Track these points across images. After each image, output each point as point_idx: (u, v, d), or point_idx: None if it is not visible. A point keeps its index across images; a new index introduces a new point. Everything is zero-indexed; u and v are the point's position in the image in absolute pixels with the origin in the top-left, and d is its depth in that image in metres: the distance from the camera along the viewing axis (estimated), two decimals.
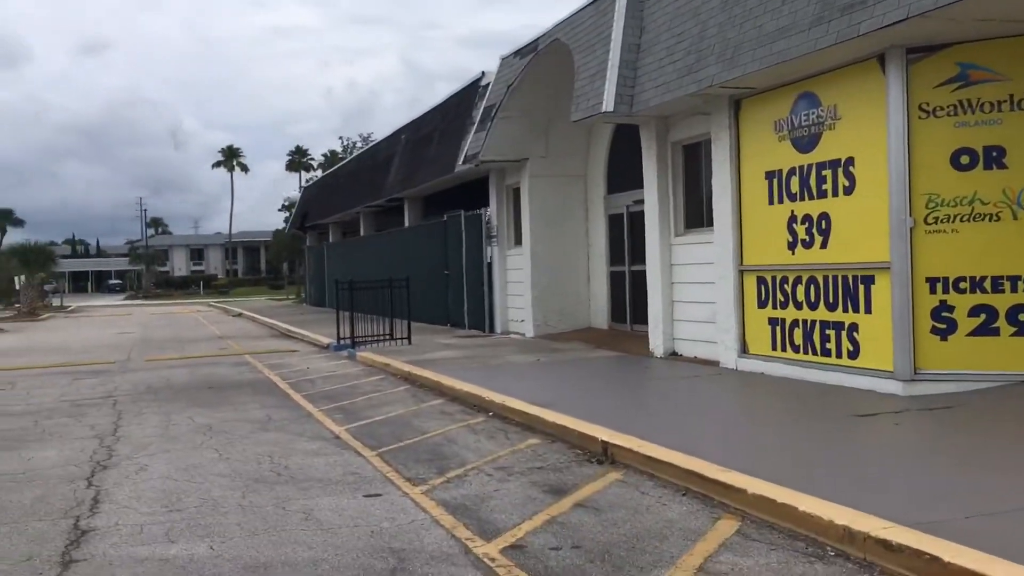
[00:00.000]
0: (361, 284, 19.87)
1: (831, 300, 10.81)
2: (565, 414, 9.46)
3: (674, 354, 14.43)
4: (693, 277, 13.88)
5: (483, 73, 21.91)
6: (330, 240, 41.36)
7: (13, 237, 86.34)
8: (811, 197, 11.05)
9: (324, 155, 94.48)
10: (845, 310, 10.61)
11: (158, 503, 7.14)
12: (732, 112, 12.39)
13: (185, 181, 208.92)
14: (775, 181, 11.68)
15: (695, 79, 12.13)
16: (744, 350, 12.45)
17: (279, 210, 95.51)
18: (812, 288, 11.12)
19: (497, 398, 10.91)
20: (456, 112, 23.39)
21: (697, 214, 14.31)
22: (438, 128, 24.78)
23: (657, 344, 14.61)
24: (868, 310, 10.27)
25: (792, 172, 11.36)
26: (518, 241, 20.63)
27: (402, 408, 11.48)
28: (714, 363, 13.14)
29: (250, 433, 10.09)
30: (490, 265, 21.54)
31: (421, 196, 28.16)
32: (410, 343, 19.19)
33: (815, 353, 11.11)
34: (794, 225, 11.36)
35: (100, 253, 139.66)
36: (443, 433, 9.66)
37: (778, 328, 11.75)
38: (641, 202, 17.14)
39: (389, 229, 31.49)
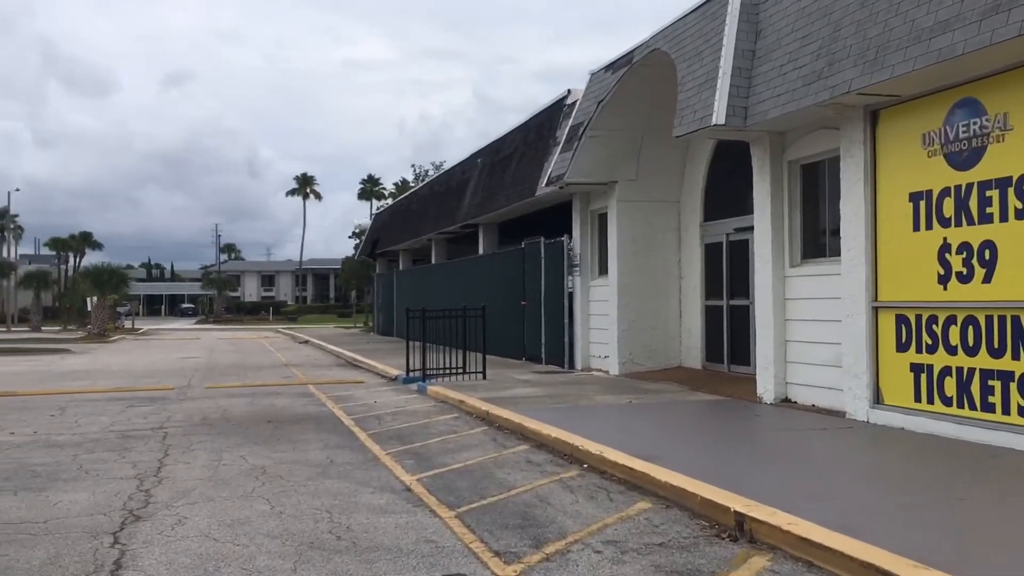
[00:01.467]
0: (433, 313, 18.55)
1: (996, 345, 9.05)
2: (678, 472, 7.89)
3: (787, 400, 12.72)
4: (812, 314, 12.20)
5: (568, 91, 20.58)
6: (400, 268, 40.35)
7: (92, 260, 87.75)
8: (970, 222, 9.35)
9: (396, 184, 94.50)
10: (1016, 357, 8.84)
11: (191, 572, 5.77)
12: (868, 125, 10.76)
13: (260, 209, 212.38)
14: (922, 204, 9.99)
15: (826, 86, 10.55)
16: (877, 400, 10.70)
17: (349, 237, 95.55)
18: (970, 330, 9.38)
19: (592, 447, 9.37)
20: (538, 133, 22.08)
21: (816, 243, 12.65)
22: (518, 150, 23.50)
23: (767, 389, 12.91)
24: None
25: (945, 193, 9.67)
26: (603, 271, 19.13)
27: (481, 454, 10.02)
28: (838, 413, 11.42)
29: (308, 480, 8.72)
30: (571, 296, 20.06)
31: (497, 223, 26.87)
32: (485, 378, 17.76)
33: (973, 408, 9.34)
34: (947, 255, 9.65)
35: (175, 277, 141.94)
36: (532, 489, 8.15)
37: (923, 376, 10.00)
38: (744, 230, 15.56)
39: (461, 257, 30.26)
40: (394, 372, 19.97)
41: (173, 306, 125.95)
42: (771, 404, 12.73)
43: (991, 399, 9.12)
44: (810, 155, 12.45)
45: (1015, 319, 8.85)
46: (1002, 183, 8.97)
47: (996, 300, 9.03)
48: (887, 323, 10.58)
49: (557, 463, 9.41)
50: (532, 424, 11.17)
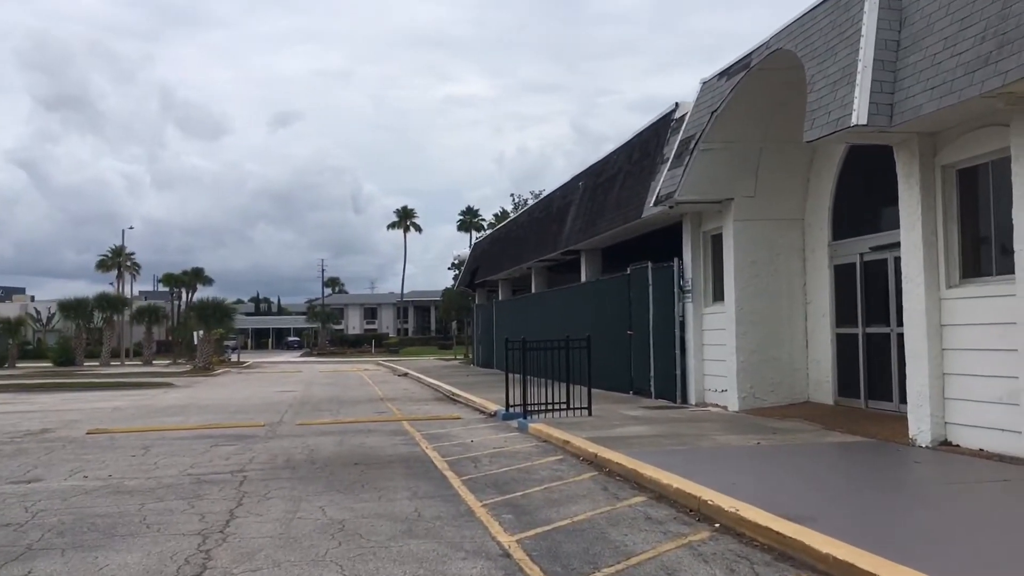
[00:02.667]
0: (534, 344, 17.26)
1: None
2: (841, 540, 6.35)
3: (946, 443, 10.91)
4: (978, 342, 10.41)
5: (676, 104, 19.15)
6: (499, 298, 39.31)
7: (203, 295, 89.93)
8: None
9: (495, 215, 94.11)
10: None
11: None
12: None
13: (363, 244, 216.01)
14: None
15: (996, 72, 8.89)
16: None
17: (448, 268, 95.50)
18: None
19: (724, 502, 7.87)
20: (643, 151, 20.68)
21: (978, 260, 10.88)
22: (622, 170, 22.13)
23: (921, 430, 11.13)
24: None
25: None
26: (718, 297, 17.53)
27: (591, 508, 8.62)
28: (1015, 460, 9.59)
29: (390, 539, 7.48)
30: (683, 324, 18.48)
31: (599, 248, 25.49)
32: (590, 414, 16.34)
33: None
34: None
35: (281, 311, 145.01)
36: (657, 557, 6.72)
37: None
38: (882, 248, 13.82)
39: (562, 285, 28.95)
40: (493, 407, 18.74)
41: (279, 339, 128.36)
42: (927, 448, 10.95)
43: None
44: (968, 158, 10.72)
45: None
46: None
47: None
48: None
49: (682, 521, 7.94)
50: (648, 471, 9.71)
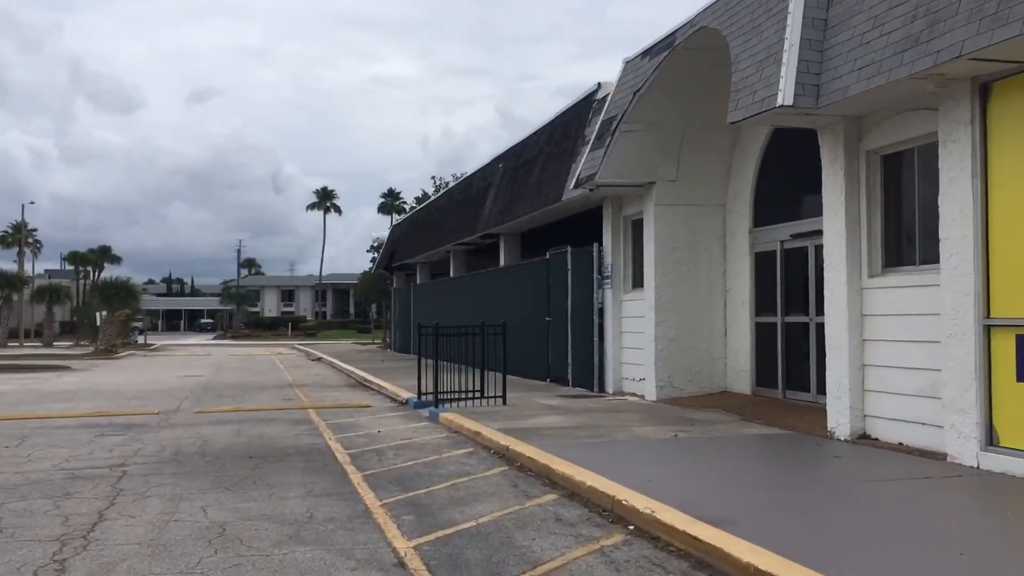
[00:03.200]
0: (448, 329, 16.59)
1: None
2: (763, 546, 5.87)
3: (865, 437, 10.63)
4: (899, 333, 10.13)
5: (599, 85, 18.63)
6: (418, 281, 38.49)
7: (111, 274, 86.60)
8: None
9: (416, 198, 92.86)
10: None
11: None
12: (978, 101, 8.72)
13: (283, 225, 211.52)
14: None
15: (927, 51, 8.52)
16: (991, 440, 8.62)
17: (367, 251, 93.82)
18: None
19: (640, 502, 7.35)
20: (565, 133, 20.14)
21: (902, 248, 10.60)
22: (543, 152, 21.56)
23: (839, 422, 10.83)
24: None
25: None
26: (638, 283, 17.13)
27: (499, 507, 8.02)
28: (935, 455, 9.33)
29: (275, 546, 6.75)
30: (602, 311, 18.05)
31: (519, 232, 24.93)
32: (505, 403, 15.77)
33: None
34: None
35: (194, 292, 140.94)
36: (567, 566, 6.14)
37: None
38: (803, 236, 13.54)
39: (481, 269, 28.33)
40: (405, 395, 18.03)
41: (192, 321, 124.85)
42: (846, 441, 10.65)
43: None
44: (894, 143, 10.41)
45: None
46: None
47: None
48: (1004, 345, 8.50)
49: (594, 523, 7.39)
50: (561, 467, 9.16)
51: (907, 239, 10.45)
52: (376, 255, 66.92)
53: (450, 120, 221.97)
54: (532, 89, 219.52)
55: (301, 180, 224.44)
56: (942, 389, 9.17)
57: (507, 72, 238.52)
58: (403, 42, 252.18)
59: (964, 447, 8.82)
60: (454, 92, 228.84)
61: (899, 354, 10.10)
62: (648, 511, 7.06)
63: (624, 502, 7.46)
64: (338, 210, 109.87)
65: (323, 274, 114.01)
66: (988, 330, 8.66)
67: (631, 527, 7.15)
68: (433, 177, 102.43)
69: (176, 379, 26.07)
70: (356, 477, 9.66)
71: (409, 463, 10.51)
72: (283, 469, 10.18)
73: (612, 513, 7.58)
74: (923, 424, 9.70)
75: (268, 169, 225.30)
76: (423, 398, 16.22)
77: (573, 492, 8.51)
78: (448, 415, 14.26)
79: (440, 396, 15.59)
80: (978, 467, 8.63)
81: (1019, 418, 8.32)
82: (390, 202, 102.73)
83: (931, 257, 9.75)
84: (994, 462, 8.49)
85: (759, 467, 9.40)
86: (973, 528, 6.69)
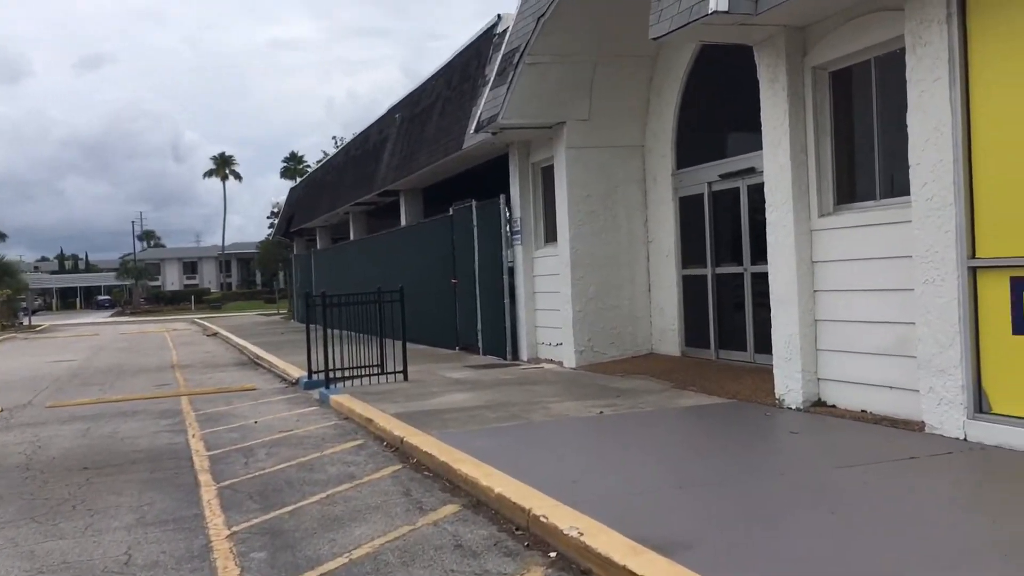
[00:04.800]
0: (339, 298, 14.61)
1: None
2: None
3: (820, 404, 9.11)
4: (859, 281, 8.58)
5: (499, 17, 16.67)
6: (318, 247, 36.11)
7: None
8: None
9: (319, 161, 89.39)
10: None
11: None
12: None
13: (187, 195, 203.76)
14: None
15: None
16: (980, 406, 7.13)
17: (268, 217, 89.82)
18: None
19: (563, 518, 5.60)
20: (464, 74, 18.14)
21: (858, 181, 9.03)
22: (441, 97, 19.52)
23: (790, 388, 9.29)
24: None
25: None
26: (551, 238, 15.38)
27: (383, 529, 6.18)
28: (909, 424, 7.84)
29: None
30: (512, 270, 16.27)
31: (420, 188, 22.90)
32: (406, 379, 13.90)
33: None
34: None
35: (89, 268, 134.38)
36: None
37: None
38: (733, 175, 11.97)
39: (384, 231, 26.22)
40: (296, 374, 15.98)
41: (89, 299, 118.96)
42: (798, 409, 9.12)
43: None
44: (845, 55, 8.77)
45: None
46: None
47: None
48: (995, 291, 6.99)
49: (506, 549, 5.62)
50: (464, 466, 7.35)
51: (865, 170, 8.87)
52: (276, 221, 63.74)
53: (354, 82, 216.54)
54: (439, 48, 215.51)
55: (204, 148, 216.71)
56: (916, 346, 7.65)
57: (412, 31, 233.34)
58: (302, 3, 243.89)
59: (946, 415, 7.33)
60: (357, 53, 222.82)
61: (860, 306, 8.56)
62: (574, 533, 5.32)
63: (543, 519, 5.70)
64: (238, 176, 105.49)
65: (227, 244, 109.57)
66: (974, 273, 7.14)
67: (553, 554, 5.41)
68: (334, 137, 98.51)
69: (45, 364, 23.39)
70: (209, 491, 7.69)
71: (281, 466, 8.58)
72: (120, 484, 8.14)
73: (528, 534, 5.82)
74: (891, 388, 8.20)
75: (168, 137, 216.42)
76: (314, 377, 14.24)
77: (479, 501, 6.73)
78: (339, 397, 12.33)
79: (334, 374, 13.64)
80: (965, 438, 7.15)
81: (1016, 379, 6.84)
82: (293, 167, 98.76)
83: (896, 189, 8.20)
84: (985, 432, 7.01)
85: (705, 452, 7.75)
86: (1013, 539, 5.12)
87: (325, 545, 5.90)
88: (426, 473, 7.88)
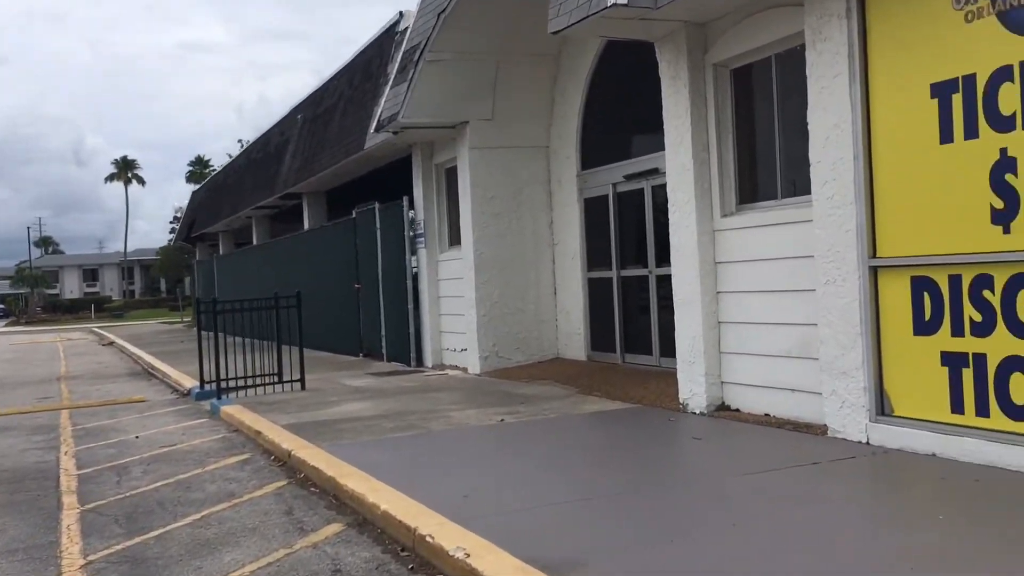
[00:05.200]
0: (233, 304, 13.94)
1: None
2: None
3: (724, 408, 8.92)
4: (761, 282, 8.41)
5: (400, 14, 16.20)
6: (221, 252, 34.94)
7: None
8: None
9: (224, 165, 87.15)
10: None
11: None
12: None
13: (90, 201, 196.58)
14: (958, 99, 6.27)
15: None
16: (882, 409, 7.00)
17: (171, 222, 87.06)
18: None
19: (450, 538, 5.20)
20: (366, 72, 17.62)
21: (760, 181, 8.88)
22: (344, 97, 18.94)
23: (694, 392, 9.08)
24: None
25: (1004, 75, 5.97)
26: (455, 241, 14.98)
27: (257, 554, 5.67)
28: (812, 428, 7.68)
29: None
30: (416, 275, 15.82)
31: (323, 190, 22.23)
32: (304, 388, 13.30)
33: None
34: (1009, 176, 5.96)
35: None
36: None
37: (967, 372, 6.32)
38: (638, 176, 11.78)
39: (286, 235, 25.42)
40: (189, 384, 15.19)
41: None
42: (702, 414, 8.91)
43: None
44: (746, 52, 8.61)
45: None
46: None
47: None
48: (897, 291, 6.86)
49: (388, 574, 5.18)
50: (352, 481, 6.88)
51: (767, 169, 8.72)
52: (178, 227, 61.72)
53: (265, 86, 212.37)
54: (351, 53, 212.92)
55: (108, 152, 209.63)
56: (819, 348, 7.49)
57: (325, 35, 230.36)
58: (210, 5, 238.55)
59: (849, 418, 7.18)
60: (269, 56, 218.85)
61: (763, 307, 8.39)
62: (460, 554, 4.91)
63: (428, 539, 5.28)
64: (141, 181, 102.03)
65: (131, 250, 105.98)
66: (875, 273, 7.00)
67: None
68: (239, 141, 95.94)
69: None
70: (71, 515, 7.04)
71: (156, 484, 7.95)
72: None
73: (414, 555, 5.39)
74: (795, 391, 8.04)
75: (68, 142, 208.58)
76: (207, 387, 13.52)
77: (365, 519, 6.27)
78: (230, 408, 11.68)
79: (227, 384, 12.96)
80: (868, 442, 7.01)
81: (917, 380, 6.71)
82: (199, 171, 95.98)
83: (798, 188, 8.06)
84: (887, 436, 6.87)
85: (607, 461, 7.44)
86: (921, 549, 4.91)
87: (190, 574, 5.37)
88: (313, 489, 7.38)
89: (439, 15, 12.64)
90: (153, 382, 17.93)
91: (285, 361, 13.45)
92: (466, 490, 6.42)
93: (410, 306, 15.73)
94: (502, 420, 9.51)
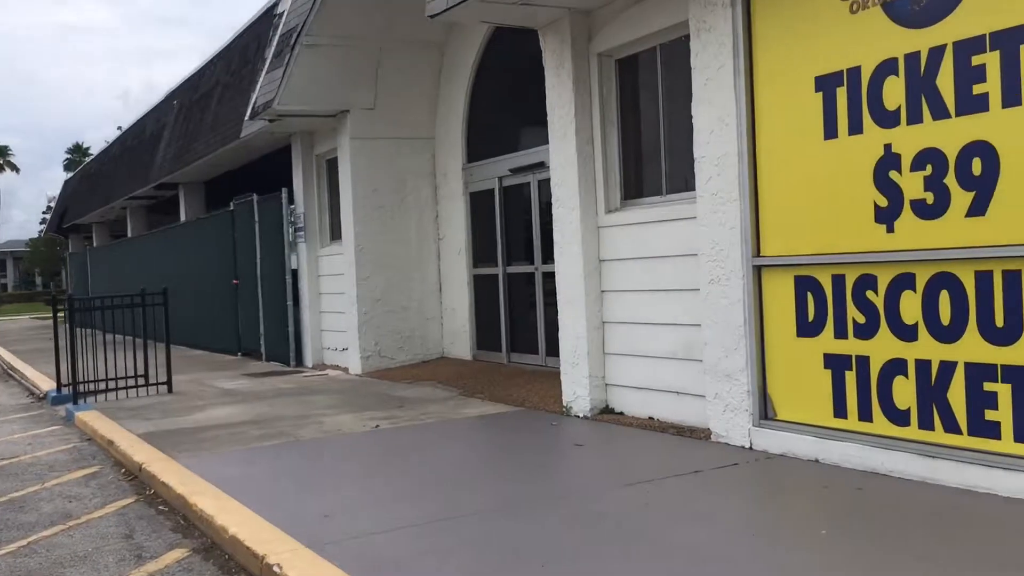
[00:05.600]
0: (87, 302, 12.98)
1: (1000, 323, 5.27)
2: None
3: (608, 411, 8.61)
4: (646, 281, 8.12)
5: None
6: (95, 244, 33.16)
7: None
8: (941, 114, 5.50)
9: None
10: None
11: None
12: None
13: None
14: (842, 92, 6.06)
15: None
16: (766, 413, 6.77)
17: (43, 212, 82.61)
18: (944, 298, 5.56)
19: (300, 568, 4.68)
20: (244, 57, 16.75)
21: (646, 176, 8.58)
22: (220, 82, 17.99)
23: (578, 395, 8.74)
24: None
25: (889, 69, 5.77)
26: (337, 235, 14.34)
27: None
28: (696, 432, 7.43)
29: None
30: (296, 270, 15.10)
31: (201, 180, 21.19)
32: (170, 391, 12.47)
33: (953, 430, 5.55)
34: (893, 173, 5.77)
35: None
36: None
37: (850, 375, 6.13)
38: (524, 170, 11.43)
39: (162, 227, 24.18)
40: (47, 386, 14.11)
41: None
42: (585, 418, 8.59)
43: (990, 415, 5.35)
44: (631, 41, 8.30)
45: None
46: (1007, 38, 5.14)
47: (998, 244, 5.24)
48: (780, 291, 6.63)
49: None
50: (203, 500, 6.26)
51: (653, 163, 8.43)
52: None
53: (152, 72, 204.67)
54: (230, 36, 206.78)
55: None
56: (703, 349, 7.23)
57: (213, 20, 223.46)
58: None
59: (732, 422, 6.94)
60: (156, 42, 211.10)
61: (647, 307, 8.10)
62: None
63: (276, 568, 4.74)
64: (15, 168, 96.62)
65: (3, 241, 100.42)
66: (759, 272, 6.77)
67: None
68: (119, 128, 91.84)
69: None
70: None
71: None
72: None
73: None
74: (679, 394, 7.78)
75: None
76: (63, 391, 12.53)
77: (213, 543, 5.68)
78: (85, 414, 10.80)
79: (78, 390, 12.01)
80: (751, 447, 6.78)
81: (800, 383, 6.51)
82: (78, 159, 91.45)
83: (683, 184, 7.79)
84: (770, 441, 6.65)
85: (482, 472, 7.01)
86: (800, 570, 4.63)
87: None
88: (162, 508, 6.72)
89: None
90: (10, 384, 16.69)
91: (154, 361, 12.58)
92: (328, 508, 5.89)
93: (289, 303, 15.01)
94: (377, 426, 8.98)
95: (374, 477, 6.94)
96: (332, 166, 14.34)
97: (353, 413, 9.89)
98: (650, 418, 8.11)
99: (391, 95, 13.12)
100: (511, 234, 12.20)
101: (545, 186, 10.81)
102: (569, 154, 8.64)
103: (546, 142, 9.56)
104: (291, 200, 15.06)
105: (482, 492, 6.23)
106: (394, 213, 13.29)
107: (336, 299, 14.07)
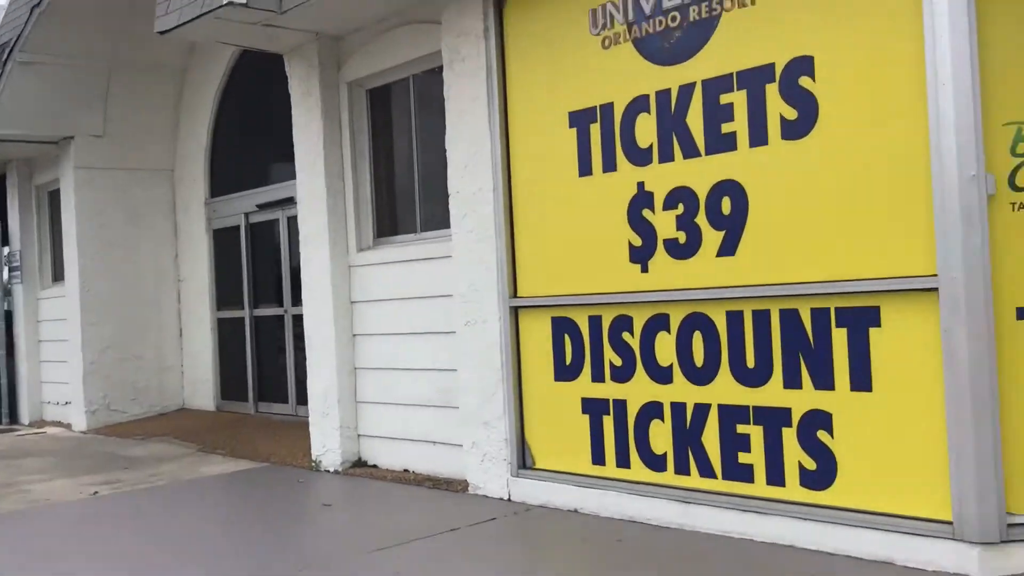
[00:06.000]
0: None
1: (751, 364, 5.22)
2: None
3: (361, 464, 8.00)
4: (400, 323, 7.62)
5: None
6: None
7: None
8: (691, 153, 5.43)
9: None
10: (794, 384, 5.06)
11: None
12: (493, 6, 6.44)
13: None
14: (595, 128, 5.91)
15: None
16: (525, 462, 6.44)
17: None
18: (697, 339, 5.45)
19: None
20: None
21: (402, 210, 8.13)
22: None
23: (328, 447, 8.07)
24: (861, 383, 4.81)
25: (640, 106, 5.67)
26: (58, 276, 12.83)
27: None
28: (453, 484, 6.98)
29: None
30: (10, 315, 13.39)
31: None
32: None
33: (708, 474, 5.43)
34: (646, 212, 5.65)
35: None
36: None
37: (608, 420, 5.92)
38: (271, 205, 10.79)
39: None
40: None
41: None
42: (336, 472, 7.92)
43: (743, 457, 5.27)
44: (383, 71, 7.84)
45: (789, 314, 5.07)
46: (753, 78, 5.14)
47: (749, 284, 5.20)
48: (538, 334, 6.35)
49: None
50: None
51: (406, 199, 7.99)
52: None
53: None
54: None
55: None
56: (459, 395, 6.82)
57: None
58: None
59: (490, 472, 6.55)
60: None
61: (401, 351, 7.61)
62: None
63: None
64: None
65: None
66: (516, 313, 6.46)
67: None
68: None
69: None
70: None
71: None
72: None
73: None
74: (435, 443, 7.32)
75: None
76: None
77: None
78: None
79: None
80: (509, 498, 6.42)
81: (558, 430, 6.23)
82: None
83: (439, 221, 7.40)
84: (529, 491, 6.32)
85: (212, 547, 6.14)
86: None
87: None
88: None
89: (32, 9, 10.69)
90: None
91: None
92: None
93: (2, 352, 13.23)
94: (95, 493, 7.85)
95: (81, 560, 5.91)
96: (54, 198, 12.84)
97: (69, 478, 8.64)
98: (405, 470, 7.59)
99: (123, 121, 11.93)
100: (259, 274, 11.36)
101: (295, 223, 10.06)
102: (317, 188, 8.04)
103: (295, 176, 8.92)
104: (5, 236, 13.36)
105: (222, 570, 5.42)
106: (127, 251, 12.03)
107: (59, 347, 12.52)
